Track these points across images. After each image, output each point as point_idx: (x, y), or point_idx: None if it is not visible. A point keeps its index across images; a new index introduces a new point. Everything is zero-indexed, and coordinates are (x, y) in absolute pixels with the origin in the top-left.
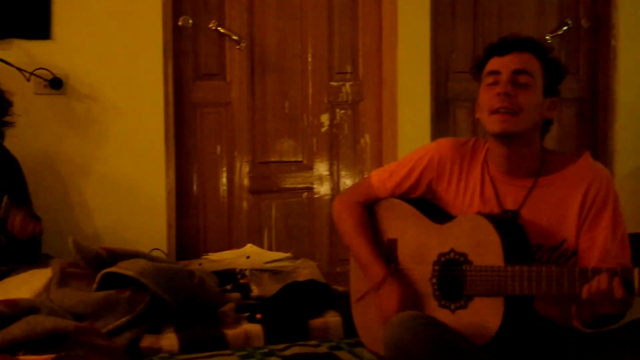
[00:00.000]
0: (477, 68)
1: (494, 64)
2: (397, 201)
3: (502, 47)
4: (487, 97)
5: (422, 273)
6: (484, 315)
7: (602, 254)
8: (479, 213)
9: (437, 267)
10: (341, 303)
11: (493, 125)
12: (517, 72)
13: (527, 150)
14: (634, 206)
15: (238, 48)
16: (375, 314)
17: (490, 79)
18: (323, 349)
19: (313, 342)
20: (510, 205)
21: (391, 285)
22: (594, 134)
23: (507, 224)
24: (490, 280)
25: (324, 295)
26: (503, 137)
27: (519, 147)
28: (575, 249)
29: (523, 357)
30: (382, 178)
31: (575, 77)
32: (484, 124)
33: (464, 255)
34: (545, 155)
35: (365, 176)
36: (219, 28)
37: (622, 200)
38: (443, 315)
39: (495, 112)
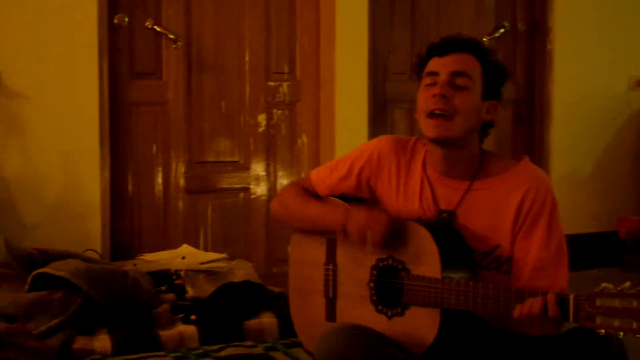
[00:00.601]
0: (418, 68)
1: (433, 64)
2: (338, 200)
3: (443, 47)
4: (424, 98)
5: (360, 275)
6: (420, 324)
7: (535, 263)
8: (419, 221)
9: (375, 272)
10: (277, 304)
11: (427, 130)
12: (455, 74)
13: (464, 153)
14: (569, 207)
15: (175, 47)
16: (313, 314)
17: (428, 80)
18: (258, 349)
19: (248, 343)
20: (445, 206)
21: (358, 208)
22: (530, 136)
23: (446, 234)
24: (427, 292)
25: (260, 296)
26: (438, 142)
27: (455, 149)
28: (509, 256)
29: None
30: (321, 175)
31: (511, 79)
32: (420, 127)
33: (402, 262)
34: (484, 158)
35: (302, 177)
36: (155, 27)
37: (558, 202)
38: (379, 320)
39: (430, 114)
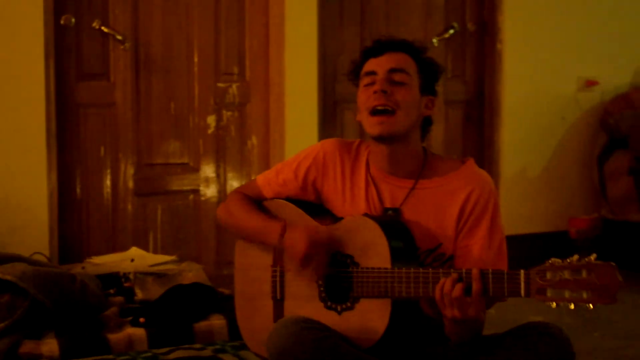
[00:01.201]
0: (355, 72)
1: (370, 65)
2: (283, 202)
3: (377, 48)
4: (365, 97)
5: (308, 275)
6: (370, 317)
7: (476, 263)
8: (366, 215)
9: None
10: (226, 306)
11: (371, 128)
12: (392, 71)
13: (407, 149)
14: (519, 207)
15: (122, 48)
16: (260, 318)
17: (367, 80)
18: (207, 352)
19: (197, 346)
20: (390, 204)
21: (294, 229)
22: (480, 137)
23: (394, 226)
24: (376, 282)
25: (209, 298)
26: (382, 139)
27: (399, 146)
28: (451, 254)
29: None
30: (267, 178)
31: (461, 80)
32: (363, 126)
33: (350, 257)
34: (427, 157)
35: (252, 178)
36: (102, 27)
37: (508, 202)
38: (329, 317)
39: (372, 111)
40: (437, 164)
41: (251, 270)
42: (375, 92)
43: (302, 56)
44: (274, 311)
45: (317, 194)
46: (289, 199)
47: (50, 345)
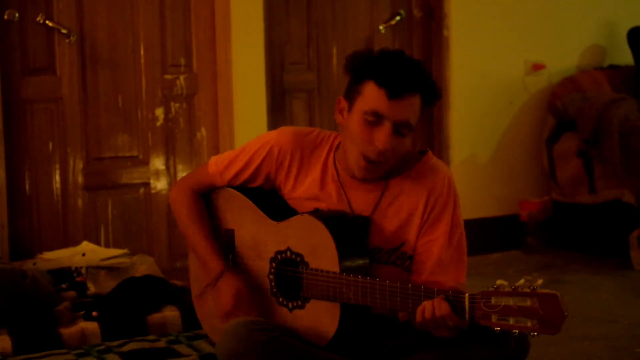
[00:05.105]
0: (355, 77)
1: (381, 104)
2: (235, 192)
3: (396, 88)
4: (361, 138)
5: (259, 267)
6: (320, 318)
7: (437, 260)
8: (315, 214)
9: (274, 264)
10: (180, 297)
11: (358, 170)
12: (400, 124)
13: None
14: (470, 192)
15: (68, 42)
16: (214, 305)
17: (371, 118)
18: (161, 343)
19: (151, 337)
20: (362, 209)
21: (228, 280)
22: (429, 123)
23: (343, 225)
24: (326, 286)
25: (162, 290)
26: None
27: None
28: (413, 252)
29: (361, 354)
30: (219, 167)
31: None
32: (347, 153)
33: (300, 255)
34: None
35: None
36: (47, 22)
37: (458, 187)
38: (281, 312)
39: (366, 159)
40: (401, 161)
41: None
42: (375, 149)
43: (249, 46)
44: None
45: (272, 185)
46: (241, 187)
47: (3, 342)
